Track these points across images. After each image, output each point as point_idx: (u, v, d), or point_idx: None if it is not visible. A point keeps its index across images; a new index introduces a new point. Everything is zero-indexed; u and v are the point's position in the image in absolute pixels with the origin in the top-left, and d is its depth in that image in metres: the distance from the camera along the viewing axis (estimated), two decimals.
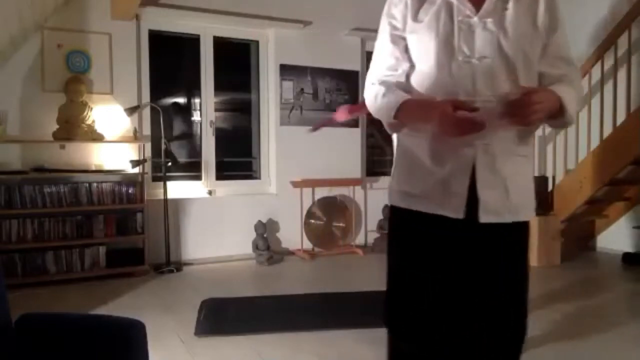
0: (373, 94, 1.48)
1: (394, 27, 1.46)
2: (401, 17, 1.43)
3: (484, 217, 1.36)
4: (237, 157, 5.35)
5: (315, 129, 2.51)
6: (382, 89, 1.45)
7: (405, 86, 1.46)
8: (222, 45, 4.96)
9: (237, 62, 5.31)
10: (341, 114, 2.41)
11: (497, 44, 1.32)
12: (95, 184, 4.13)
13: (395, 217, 1.53)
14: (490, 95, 1.32)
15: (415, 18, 1.40)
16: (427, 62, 1.38)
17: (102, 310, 3.23)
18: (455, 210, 1.37)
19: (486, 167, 1.35)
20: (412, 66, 1.45)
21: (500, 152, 1.35)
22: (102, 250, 4.11)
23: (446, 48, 1.35)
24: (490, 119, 1.28)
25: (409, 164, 1.47)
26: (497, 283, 1.42)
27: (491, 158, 1.35)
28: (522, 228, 1.45)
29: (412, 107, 1.39)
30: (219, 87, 4.98)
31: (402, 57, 1.45)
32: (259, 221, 4.79)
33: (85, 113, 4.15)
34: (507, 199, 1.37)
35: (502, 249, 1.42)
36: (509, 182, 1.37)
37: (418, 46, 1.41)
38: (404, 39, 1.44)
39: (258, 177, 5.23)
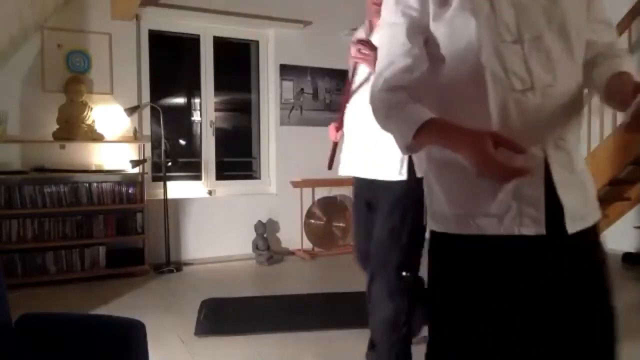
0: (385, 104, 1.19)
1: (410, 18, 1.18)
2: (420, 4, 1.17)
3: (572, 226, 1.09)
4: (237, 157, 5.35)
5: (331, 165, 2.49)
6: (396, 99, 1.18)
7: (421, 93, 1.20)
8: (222, 45, 4.96)
9: (237, 62, 5.31)
10: (333, 134, 2.37)
11: (548, 14, 1.09)
12: (95, 184, 4.13)
13: (449, 248, 1.17)
14: (550, 79, 1.08)
15: (441, 1, 1.14)
16: (464, 53, 1.11)
17: (102, 310, 3.23)
18: (535, 224, 1.08)
19: (563, 166, 1.10)
20: (438, 63, 1.17)
21: (573, 146, 1.14)
22: (102, 250, 4.11)
23: (488, 30, 1.09)
24: (555, 109, 1.08)
25: (459, 178, 1.13)
26: (593, 322, 1.16)
27: (566, 154, 1.12)
28: (597, 233, 1.17)
29: (437, 129, 1.10)
30: (219, 87, 4.98)
31: (421, 56, 1.18)
32: (259, 221, 4.79)
33: (85, 113, 4.15)
34: (587, 201, 1.16)
35: (594, 270, 1.14)
36: (585, 180, 1.17)
37: (450, 35, 1.14)
38: (425, 31, 1.18)
39: (258, 177, 5.23)
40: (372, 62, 1.81)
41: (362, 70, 2.06)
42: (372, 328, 2.18)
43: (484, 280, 1.10)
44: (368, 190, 2.17)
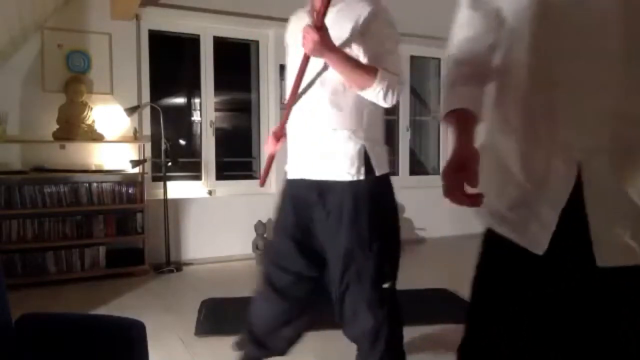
0: (445, 80, 1.21)
1: None
2: None
3: (603, 259, 0.95)
4: (237, 157, 5.35)
5: (263, 182, 2.25)
6: (454, 75, 1.18)
7: (493, 65, 1.12)
8: (222, 45, 4.96)
9: (237, 62, 5.31)
10: (272, 146, 2.04)
11: None
12: (95, 184, 4.13)
13: (489, 244, 1.14)
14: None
15: None
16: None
17: (102, 310, 3.23)
18: (536, 243, 1.00)
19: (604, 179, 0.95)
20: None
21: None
22: (102, 250, 4.10)
23: None
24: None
25: (495, 168, 1.08)
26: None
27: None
28: None
29: (454, 123, 1.13)
30: (219, 87, 4.97)
31: (485, 26, 1.10)
32: (259, 221, 4.79)
33: (85, 113, 4.15)
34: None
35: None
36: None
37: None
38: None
39: (258, 177, 5.22)
40: (319, 46, 1.64)
41: (313, 66, 1.78)
42: (351, 336, 2.06)
43: (521, 282, 1.04)
44: (317, 194, 1.84)
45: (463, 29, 1.14)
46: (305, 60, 1.74)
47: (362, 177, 1.78)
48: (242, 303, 3.51)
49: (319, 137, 1.81)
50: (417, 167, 6.09)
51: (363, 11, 1.77)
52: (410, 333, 2.85)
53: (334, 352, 2.61)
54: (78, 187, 4.07)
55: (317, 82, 1.81)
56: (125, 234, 4.22)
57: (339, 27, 1.76)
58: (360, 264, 1.81)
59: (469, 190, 0.99)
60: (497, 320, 1.07)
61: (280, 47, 5.15)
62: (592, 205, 0.91)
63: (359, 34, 1.77)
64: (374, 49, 1.75)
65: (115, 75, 4.37)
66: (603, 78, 0.88)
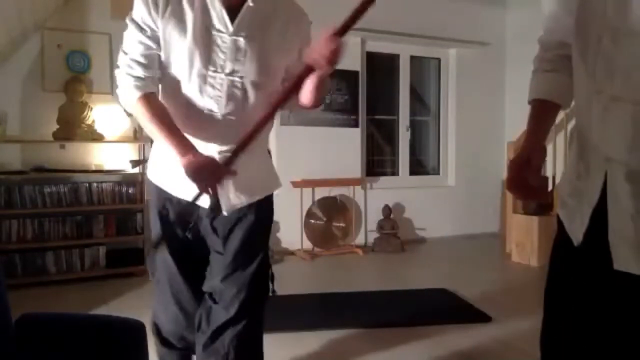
0: (534, 63, 1.22)
1: None
2: None
3: (619, 263, 0.98)
4: None
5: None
6: (538, 61, 1.19)
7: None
8: None
9: None
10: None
11: None
12: (95, 184, 4.13)
13: (558, 225, 1.15)
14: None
15: None
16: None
17: (102, 310, 3.23)
18: (575, 236, 1.07)
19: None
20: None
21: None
22: (102, 250, 4.10)
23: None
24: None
25: (573, 154, 1.09)
26: None
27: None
28: None
29: (531, 115, 1.17)
30: None
31: (561, 17, 1.10)
32: None
33: (85, 113, 4.15)
34: None
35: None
36: None
37: None
38: None
39: None
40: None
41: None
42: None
43: (566, 268, 1.10)
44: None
45: (549, 9, 1.15)
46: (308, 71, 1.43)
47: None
48: None
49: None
50: (417, 167, 6.09)
51: (293, 21, 1.60)
52: (410, 333, 2.85)
53: (334, 352, 2.61)
54: (78, 187, 4.07)
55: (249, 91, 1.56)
56: (125, 234, 4.22)
57: (266, 45, 1.54)
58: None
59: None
60: (554, 304, 1.14)
61: None
62: (612, 211, 0.96)
63: (293, 53, 1.60)
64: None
65: (115, 75, 4.36)
66: (625, 93, 0.91)
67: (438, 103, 6.10)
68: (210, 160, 1.44)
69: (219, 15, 1.45)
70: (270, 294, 1.86)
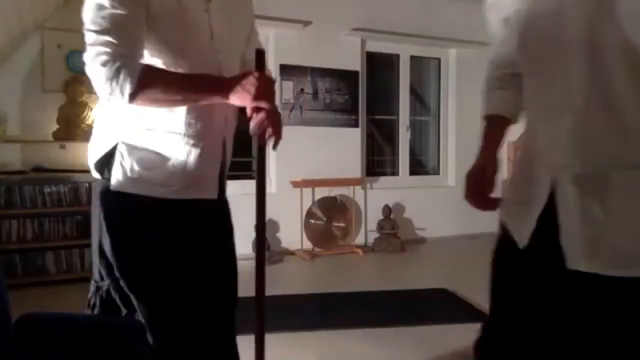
0: (485, 76, 1.32)
1: None
2: None
3: (573, 263, 1.03)
4: (237, 157, 5.34)
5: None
6: (486, 79, 1.30)
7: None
8: None
9: None
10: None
11: None
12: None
13: (500, 231, 1.24)
14: None
15: None
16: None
17: None
18: (520, 238, 1.14)
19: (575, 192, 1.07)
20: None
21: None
22: None
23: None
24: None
25: (519, 164, 1.22)
26: None
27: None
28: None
29: (485, 128, 1.29)
30: None
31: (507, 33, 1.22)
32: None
33: (85, 113, 4.15)
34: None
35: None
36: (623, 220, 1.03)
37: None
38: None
39: None
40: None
41: None
42: None
43: (509, 270, 1.17)
44: None
45: (496, 32, 1.24)
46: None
47: None
48: (242, 303, 3.51)
49: None
50: (417, 167, 6.09)
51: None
52: (410, 333, 2.86)
53: (334, 352, 2.61)
54: (78, 187, 4.07)
55: None
56: None
57: (232, 16, 1.52)
58: None
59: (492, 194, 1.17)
60: (497, 302, 1.22)
61: (280, 47, 5.17)
62: (562, 213, 1.02)
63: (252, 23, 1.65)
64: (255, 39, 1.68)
65: None
66: (565, 103, 0.99)
67: (438, 103, 6.10)
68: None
69: None
70: None
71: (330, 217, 5.24)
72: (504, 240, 1.17)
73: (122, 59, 1.23)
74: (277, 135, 1.41)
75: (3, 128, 3.95)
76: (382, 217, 5.33)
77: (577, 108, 0.97)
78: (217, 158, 1.51)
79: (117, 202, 1.38)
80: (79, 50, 4.55)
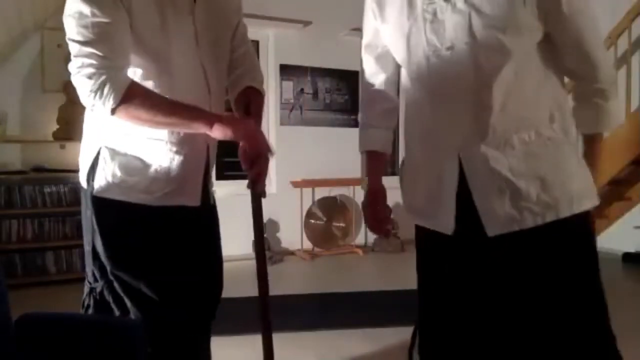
0: (359, 115, 1.51)
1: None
2: None
3: (492, 230, 1.20)
4: (237, 157, 5.34)
5: None
6: (364, 115, 1.48)
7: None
8: None
9: None
10: None
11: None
12: None
13: (418, 234, 1.51)
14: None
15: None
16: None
17: None
18: (445, 226, 1.27)
19: (478, 169, 1.24)
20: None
21: (496, 146, 1.22)
22: None
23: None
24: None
25: (412, 176, 1.44)
26: None
27: (483, 156, 1.21)
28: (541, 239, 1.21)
29: (366, 162, 1.48)
30: None
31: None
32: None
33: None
34: (517, 205, 1.20)
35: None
36: (519, 183, 1.20)
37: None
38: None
39: None
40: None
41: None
42: None
43: (440, 260, 1.36)
44: None
45: (363, 72, 1.42)
46: None
47: None
48: (242, 303, 3.51)
49: None
50: None
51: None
52: (410, 333, 2.85)
53: (334, 352, 2.61)
54: (78, 187, 4.07)
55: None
56: None
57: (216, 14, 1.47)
58: None
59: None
60: (428, 294, 1.44)
61: (280, 47, 5.17)
62: (474, 187, 1.17)
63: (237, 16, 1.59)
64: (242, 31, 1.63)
65: None
66: (460, 97, 1.17)
67: None
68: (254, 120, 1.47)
69: None
70: None
71: (330, 217, 5.24)
72: (426, 239, 1.38)
73: (108, 71, 1.22)
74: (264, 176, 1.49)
75: (3, 128, 3.95)
76: None
77: (471, 96, 1.15)
78: (201, 164, 1.49)
79: (105, 206, 1.41)
80: None
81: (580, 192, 1.16)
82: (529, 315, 1.17)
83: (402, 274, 4.44)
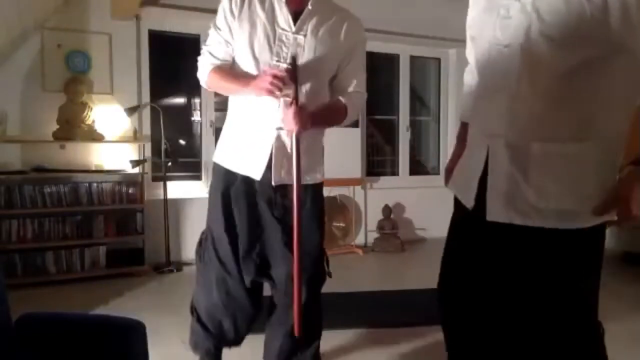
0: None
1: None
2: None
3: (490, 216, 1.37)
4: None
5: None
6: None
7: None
8: None
9: None
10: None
11: None
12: (95, 184, 4.13)
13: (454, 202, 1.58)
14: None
15: None
16: None
17: (102, 310, 3.23)
18: (467, 203, 1.46)
19: (501, 160, 1.37)
20: None
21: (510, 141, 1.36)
22: (102, 250, 4.10)
23: None
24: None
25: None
26: None
27: (506, 149, 1.35)
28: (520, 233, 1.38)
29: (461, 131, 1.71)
30: None
31: None
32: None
33: (85, 113, 4.15)
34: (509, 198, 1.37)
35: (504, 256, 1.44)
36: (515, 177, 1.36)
37: None
38: None
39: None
40: (304, 128, 1.77)
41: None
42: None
43: (461, 229, 1.51)
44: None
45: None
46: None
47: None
48: None
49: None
50: (417, 167, 6.09)
51: (346, 24, 1.89)
52: (410, 333, 2.86)
53: (334, 352, 2.61)
54: (78, 187, 4.07)
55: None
56: (125, 234, 4.22)
57: (321, 43, 1.84)
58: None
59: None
60: (450, 256, 1.57)
61: None
62: (490, 175, 1.31)
63: (344, 52, 1.91)
64: (351, 70, 1.94)
65: (115, 75, 4.37)
66: (501, 86, 1.29)
67: (438, 103, 6.10)
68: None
69: (285, 17, 1.80)
70: (328, 276, 2.06)
71: (330, 217, 5.24)
72: (457, 209, 1.50)
73: (210, 60, 1.92)
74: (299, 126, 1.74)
75: (3, 128, 3.95)
76: (382, 217, 5.33)
77: (511, 89, 1.25)
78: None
79: None
80: (79, 50, 4.58)
81: (575, 212, 1.24)
82: (511, 301, 1.33)
83: (402, 274, 4.45)
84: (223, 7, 1.86)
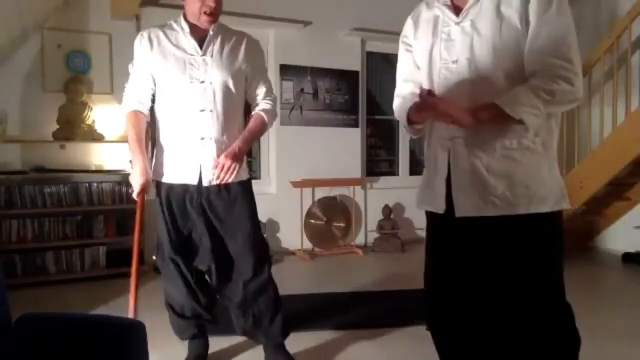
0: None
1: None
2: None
3: (459, 212, 1.48)
4: None
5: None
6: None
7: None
8: None
9: None
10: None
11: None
12: (95, 184, 4.13)
13: (427, 217, 1.69)
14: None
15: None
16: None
17: (102, 310, 3.23)
18: (437, 206, 1.58)
19: (459, 164, 1.47)
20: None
21: (473, 144, 1.46)
22: (102, 250, 4.10)
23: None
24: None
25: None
26: None
27: (465, 152, 1.47)
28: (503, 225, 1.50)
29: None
30: None
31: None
32: (259, 221, 4.78)
33: (85, 113, 4.15)
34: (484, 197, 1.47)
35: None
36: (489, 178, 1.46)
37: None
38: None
39: (258, 177, 5.23)
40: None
41: None
42: None
43: (437, 233, 1.63)
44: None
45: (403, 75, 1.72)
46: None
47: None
48: None
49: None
50: (417, 167, 6.08)
51: (245, 43, 2.23)
52: (410, 333, 2.85)
53: (334, 352, 2.61)
54: (78, 187, 4.07)
55: None
56: (125, 234, 4.22)
57: (226, 59, 2.16)
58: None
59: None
60: (431, 256, 1.65)
61: (280, 47, 5.17)
62: (454, 175, 1.45)
63: (246, 65, 2.21)
64: (257, 81, 2.30)
65: (115, 75, 4.37)
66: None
67: None
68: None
69: (191, 44, 2.13)
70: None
71: (330, 217, 5.24)
72: (431, 218, 1.61)
73: (133, 98, 2.16)
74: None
75: (3, 128, 3.95)
76: (382, 217, 5.33)
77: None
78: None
79: None
80: (79, 50, 4.57)
81: (542, 197, 1.40)
82: (488, 285, 1.48)
83: (402, 274, 4.44)
84: (136, 49, 2.16)
